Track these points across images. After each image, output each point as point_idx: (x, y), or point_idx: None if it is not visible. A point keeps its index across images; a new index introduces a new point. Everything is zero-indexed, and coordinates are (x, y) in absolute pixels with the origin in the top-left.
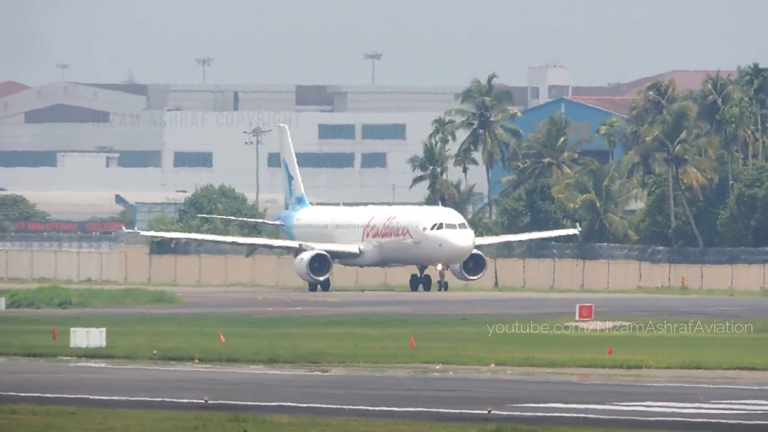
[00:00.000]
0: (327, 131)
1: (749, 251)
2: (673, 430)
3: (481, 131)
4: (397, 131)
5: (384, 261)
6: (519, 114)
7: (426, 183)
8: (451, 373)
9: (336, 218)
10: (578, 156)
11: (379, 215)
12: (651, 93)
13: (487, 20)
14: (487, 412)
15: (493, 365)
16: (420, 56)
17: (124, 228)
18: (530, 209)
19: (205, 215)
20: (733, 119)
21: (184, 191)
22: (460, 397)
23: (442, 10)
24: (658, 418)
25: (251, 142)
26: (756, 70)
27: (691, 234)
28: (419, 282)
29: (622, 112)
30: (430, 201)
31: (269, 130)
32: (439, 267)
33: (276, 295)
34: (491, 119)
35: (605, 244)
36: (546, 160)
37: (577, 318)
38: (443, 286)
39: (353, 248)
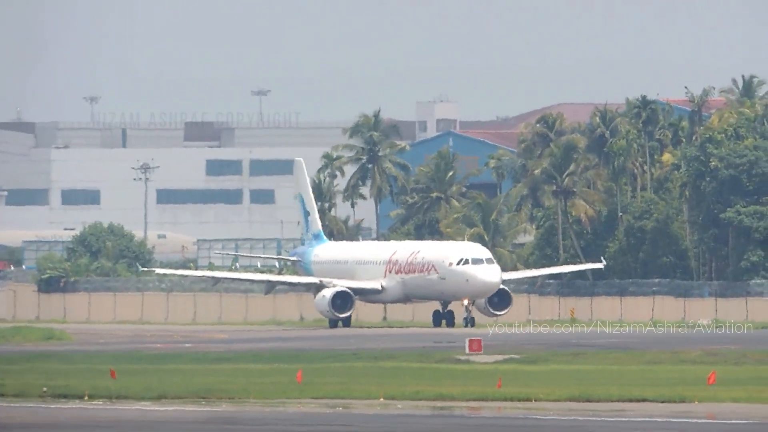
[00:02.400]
0: (215, 167)
1: (638, 283)
2: None
3: (369, 166)
4: (285, 167)
5: (407, 297)
6: (407, 148)
7: None
8: (340, 408)
9: (356, 254)
10: (466, 190)
11: (401, 250)
12: (539, 126)
13: (375, 55)
14: None
15: (382, 399)
16: (308, 92)
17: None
18: None
19: (228, 253)
20: (621, 151)
21: (72, 229)
22: None
23: (329, 46)
24: None
25: (140, 179)
26: (644, 102)
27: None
28: (442, 318)
29: (510, 145)
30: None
31: (157, 166)
32: (466, 302)
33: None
34: (379, 154)
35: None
36: (434, 194)
37: (467, 351)
38: (470, 321)
39: (375, 285)
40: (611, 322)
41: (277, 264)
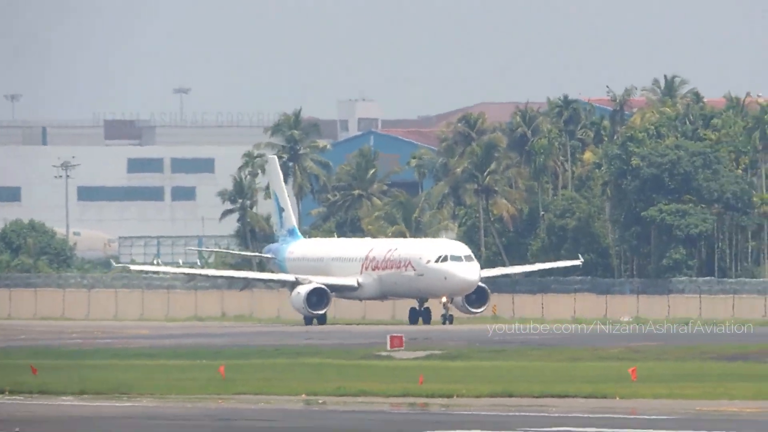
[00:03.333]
0: (136, 165)
1: (559, 281)
2: None
3: (290, 164)
4: (206, 165)
5: (384, 294)
6: (328, 147)
7: (236, 216)
8: (262, 404)
9: (332, 251)
10: (388, 188)
11: (378, 247)
12: (460, 125)
13: (296, 54)
14: None
15: (304, 395)
16: (229, 90)
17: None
18: None
19: (224, 250)
20: (542, 150)
21: None
22: (271, 428)
23: (250, 44)
24: None
25: (60, 176)
26: (566, 102)
27: (502, 264)
28: (419, 315)
29: (431, 144)
30: (240, 234)
31: (78, 164)
32: (444, 300)
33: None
34: (300, 152)
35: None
36: (356, 192)
37: (388, 348)
38: (448, 319)
39: (351, 281)
40: (533, 319)
41: (198, 261)
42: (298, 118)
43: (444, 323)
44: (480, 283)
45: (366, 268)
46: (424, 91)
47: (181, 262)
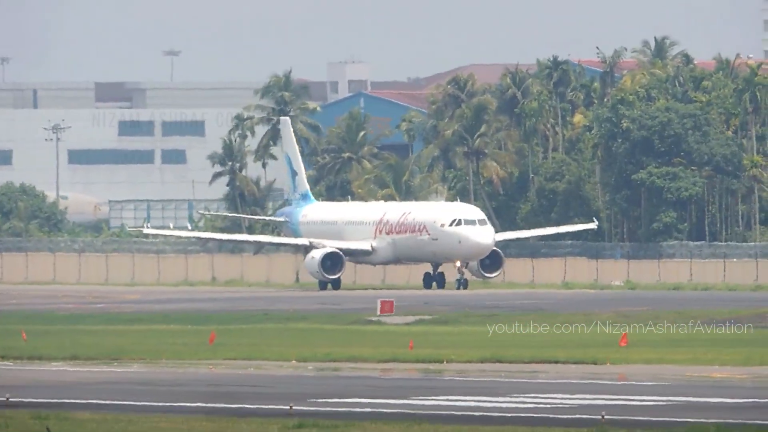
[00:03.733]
0: (126, 128)
1: (550, 245)
2: (474, 424)
3: (280, 127)
4: (196, 128)
5: (398, 258)
6: (318, 109)
7: (226, 179)
8: (252, 369)
9: (346, 214)
10: (378, 151)
11: (392, 211)
12: (450, 87)
13: (286, 15)
14: (288, 408)
15: (294, 361)
16: (219, 52)
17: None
18: None
19: (228, 214)
20: (532, 113)
21: None
22: (262, 394)
23: (241, 6)
24: (460, 413)
25: (51, 139)
26: (555, 63)
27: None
28: (433, 280)
29: (421, 106)
30: (229, 197)
31: (68, 127)
32: (458, 264)
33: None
34: (290, 114)
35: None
36: (346, 155)
37: (378, 313)
38: (462, 284)
39: (365, 245)
40: (523, 284)
41: (188, 225)
42: (288, 80)
43: (458, 288)
44: (494, 248)
45: (380, 232)
46: (414, 52)
47: (171, 226)
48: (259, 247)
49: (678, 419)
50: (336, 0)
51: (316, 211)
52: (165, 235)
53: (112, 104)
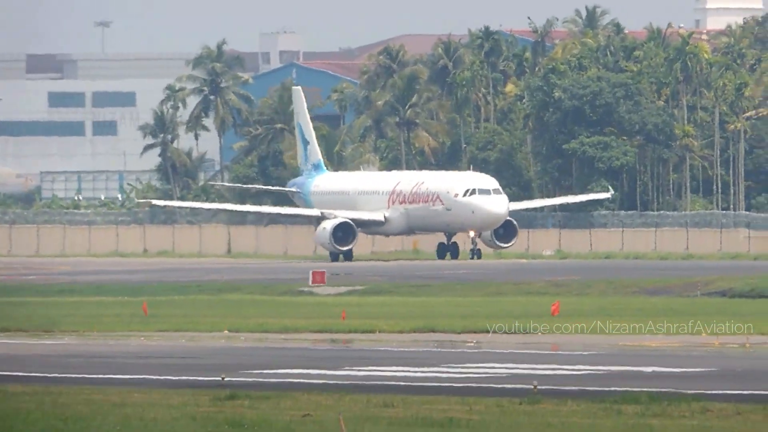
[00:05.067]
0: (57, 99)
1: None
2: (406, 394)
3: (212, 97)
4: (127, 99)
5: (411, 229)
6: (250, 80)
7: (157, 150)
8: (183, 341)
9: (358, 184)
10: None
11: (405, 181)
12: (382, 57)
13: None
14: (220, 379)
15: (226, 332)
16: (150, 23)
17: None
18: (262, 175)
19: (240, 185)
20: (464, 83)
21: None
22: (193, 365)
23: None
24: (393, 383)
25: None
26: (487, 33)
27: None
28: (447, 250)
29: (353, 77)
30: (161, 169)
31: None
32: (472, 234)
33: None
34: (222, 85)
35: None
36: (278, 125)
37: (310, 283)
38: (476, 253)
39: (378, 216)
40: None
41: (119, 196)
42: (220, 50)
43: (472, 258)
44: (508, 217)
45: (393, 202)
46: (346, 23)
47: (102, 197)
48: (271, 218)
49: (610, 388)
50: None
51: (328, 181)
52: (175, 207)
53: (43, 75)
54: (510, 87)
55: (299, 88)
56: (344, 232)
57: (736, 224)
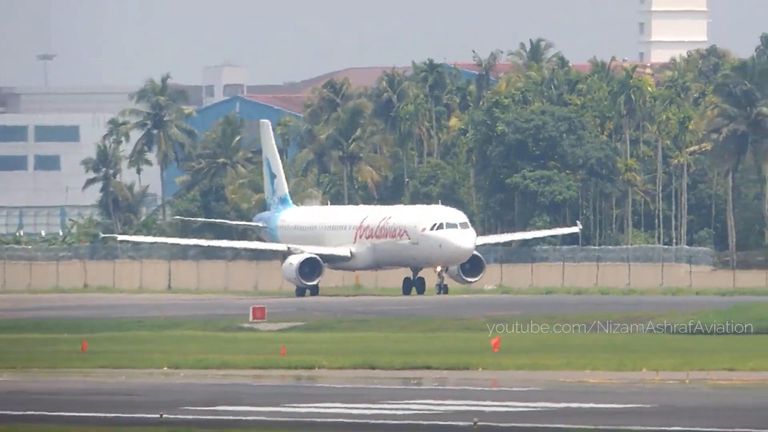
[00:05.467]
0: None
1: None
2: (347, 430)
3: (155, 131)
4: (70, 133)
5: (378, 264)
6: (194, 114)
7: (100, 185)
8: (123, 377)
9: (325, 219)
10: (253, 155)
11: (372, 215)
12: (325, 91)
13: (161, 19)
14: (159, 416)
15: (166, 368)
16: (94, 56)
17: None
18: (204, 210)
19: (196, 219)
20: (407, 116)
21: None
22: (132, 402)
23: (116, 10)
24: (333, 419)
25: None
26: (431, 66)
27: None
28: (412, 285)
29: (297, 110)
30: (103, 203)
31: None
32: (439, 269)
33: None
34: (166, 119)
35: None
36: (220, 160)
37: (251, 319)
38: (443, 289)
39: (344, 251)
40: (395, 288)
41: (61, 231)
42: (164, 84)
43: (439, 293)
44: (475, 252)
45: (360, 237)
46: (290, 56)
47: (43, 233)
48: (235, 253)
49: (551, 425)
50: (212, 3)
51: (294, 215)
52: (136, 242)
53: None
54: (453, 121)
55: (267, 121)
56: (311, 267)
57: (677, 259)
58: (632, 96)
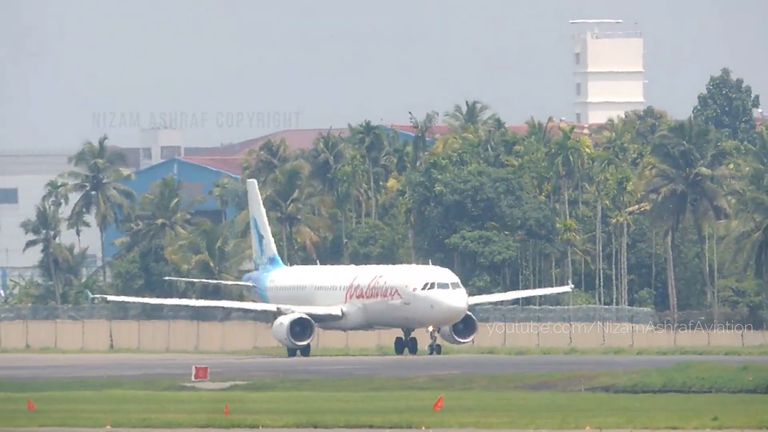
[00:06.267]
0: None
1: None
2: None
3: (93, 193)
4: (9, 195)
5: (369, 324)
6: (132, 176)
7: (40, 246)
8: None
9: (315, 279)
10: (191, 216)
11: (362, 275)
12: (263, 152)
13: (97, 82)
14: None
15: (108, 427)
16: (30, 118)
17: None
18: (144, 271)
19: (175, 278)
20: (345, 177)
21: None
22: None
23: (50, 70)
24: None
25: None
26: (368, 128)
27: None
28: (405, 345)
29: (234, 171)
30: (44, 265)
31: None
32: (431, 329)
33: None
34: (104, 181)
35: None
36: (159, 221)
37: (193, 378)
38: (435, 349)
39: (335, 311)
40: (337, 348)
41: (2, 293)
42: (102, 146)
43: (431, 353)
44: (467, 312)
45: (350, 297)
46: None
47: None
48: (226, 313)
49: None
50: (146, 66)
51: (284, 275)
52: (128, 302)
53: None
54: (391, 182)
55: (254, 180)
56: (302, 327)
57: (618, 319)
58: (570, 157)
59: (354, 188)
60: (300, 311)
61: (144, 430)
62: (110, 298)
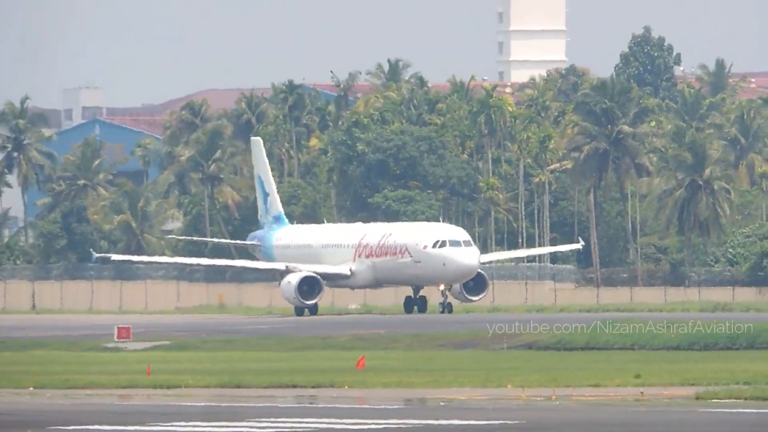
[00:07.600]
0: None
1: None
2: None
3: (15, 154)
4: None
5: (378, 282)
6: (54, 137)
7: None
8: None
9: (323, 237)
10: (113, 177)
11: (371, 233)
12: (184, 113)
13: (17, 41)
14: None
15: (32, 388)
16: None
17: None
18: (67, 232)
19: (198, 239)
20: (267, 137)
21: None
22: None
23: None
24: None
25: None
26: (290, 87)
27: (228, 252)
28: (414, 304)
29: (157, 132)
30: None
31: None
32: (442, 287)
33: None
34: (25, 142)
35: (142, 264)
36: (81, 182)
37: (116, 339)
38: (447, 307)
39: (344, 269)
40: (260, 308)
41: None
42: (23, 107)
43: (442, 312)
44: (479, 270)
45: (359, 255)
46: (149, 78)
47: None
48: (234, 272)
49: None
50: (68, 25)
51: (290, 233)
52: (143, 261)
53: None
54: (314, 141)
55: (259, 138)
56: (309, 285)
57: (541, 277)
58: (492, 115)
59: (276, 148)
60: (308, 270)
61: (67, 392)
62: (114, 257)
